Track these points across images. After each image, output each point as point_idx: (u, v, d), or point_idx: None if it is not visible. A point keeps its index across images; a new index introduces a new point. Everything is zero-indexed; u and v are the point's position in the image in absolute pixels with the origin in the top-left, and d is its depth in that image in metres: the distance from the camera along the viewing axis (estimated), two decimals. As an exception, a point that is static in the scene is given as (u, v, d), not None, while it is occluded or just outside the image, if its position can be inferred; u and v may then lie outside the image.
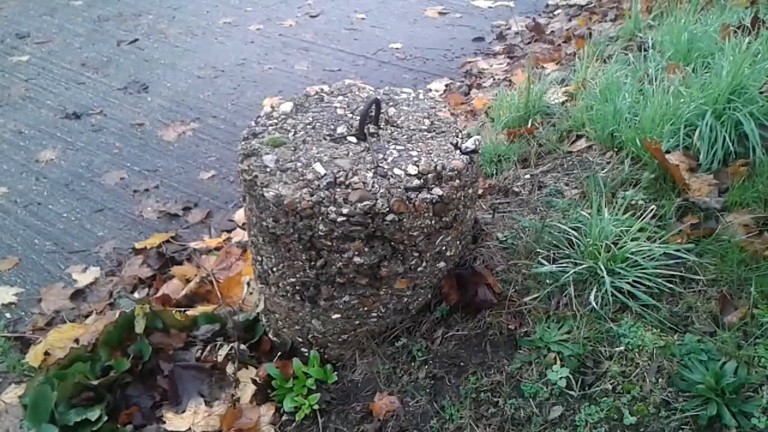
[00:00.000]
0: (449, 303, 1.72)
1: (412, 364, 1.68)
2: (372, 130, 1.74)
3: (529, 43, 4.35)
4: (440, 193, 1.59)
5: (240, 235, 2.77)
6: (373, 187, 1.56)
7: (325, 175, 1.58)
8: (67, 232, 2.80)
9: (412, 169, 1.60)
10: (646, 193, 1.82)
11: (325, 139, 1.71)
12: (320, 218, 1.56)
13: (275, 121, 1.78)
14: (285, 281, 1.74)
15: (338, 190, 1.56)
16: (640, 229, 1.64)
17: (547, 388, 1.48)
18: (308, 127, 1.75)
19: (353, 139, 1.71)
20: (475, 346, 1.63)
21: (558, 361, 1.51)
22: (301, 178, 1.58)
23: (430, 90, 3.91)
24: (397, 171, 1.60)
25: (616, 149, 2.12)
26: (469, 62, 4.20)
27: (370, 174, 1.59)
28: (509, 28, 4.65)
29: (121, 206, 2.97)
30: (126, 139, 3.45)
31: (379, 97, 1.78)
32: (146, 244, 2.71)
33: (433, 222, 1.62)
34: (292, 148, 1.67)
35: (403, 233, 1.60)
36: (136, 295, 2.45)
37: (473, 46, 4.45)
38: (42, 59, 4.28)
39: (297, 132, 1.73)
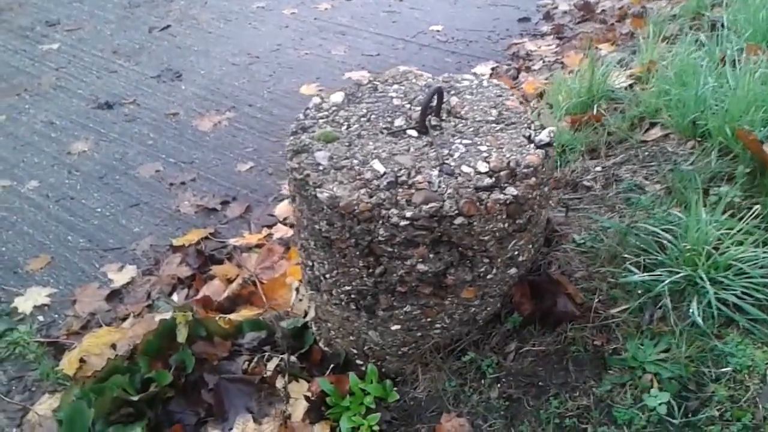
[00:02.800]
0: (522, 314, 1.55)
1: (482, 381, 1.51)
2: (434, 123, 1.56)
3: (579, 22, 4.12)
4: (515, 192, 1.41)
5: (281, 231, 2.62)
6: (439, 187, 1.39)
7: (384, 173, 1.41)
8: (101, 228, 2.68)
9: (483, 166, 1.43)
10: (742, 189, 1.61)
11: (382, 132, 1.54)
12: (380, 222, 1.40)
13: (326, 113, 1.61)
14: (339, 289, 1.58)
15: (400, 190, 1.39)
16: (742, 232, 1.45)
17: (643, 414, 1.30)
18: (363, 119, 1.58)
19: (414, 133, 1.54)
20: (555, 364, 1.46)
21: (655, 384, 1.33)
22: (358, 177, 1.42)
23: (476, 74, 3.71)
24: (465, 168, 1.43)
25: (698, 139, 1.92)
26: (516, 44, 3.99)
27: (436, 172, 1.42)
28: (556, 8, 4.41)
29: (157, 200, 2.84)
30: (160, 129, 3.33)
31: (440, 86, 1.60)
32: (184, 241, 2.57)
33: (506, 225, 1.44)
34: (347, 144, 1.50)
35: (472, 238, 1.43)
36: (175, 296, 2.33)
37: (519, 27, 4.22)
38: (72, 47, 4.16)
39: (351, 125, 1.56)
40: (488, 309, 1.59)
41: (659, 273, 1.43)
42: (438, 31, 4.24)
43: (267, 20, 4.47)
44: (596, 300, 1.50)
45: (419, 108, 1.58)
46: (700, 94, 1.90)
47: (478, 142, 1.50)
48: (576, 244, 1.62)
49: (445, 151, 1.47)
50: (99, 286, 2.39)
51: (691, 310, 1.37)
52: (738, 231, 1.45)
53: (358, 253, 1.48)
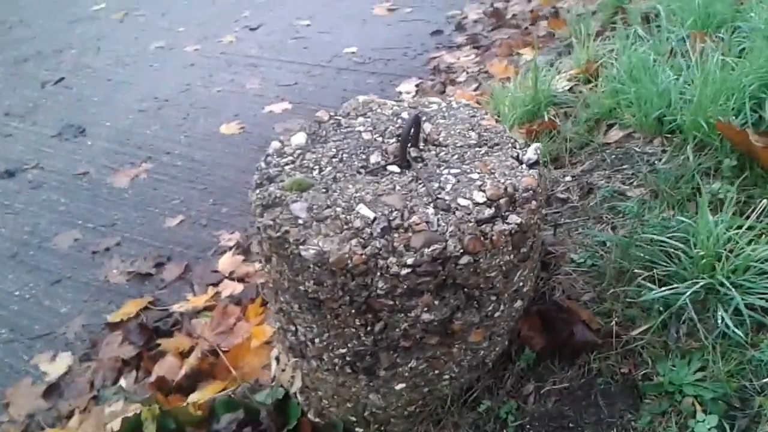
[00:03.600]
0: (534, 349, 1.43)
1: (504, 431, 1.38)
2: (414, 154, 1.43)
3: (492, 30, 4.12)
4: (518, 220, 1.30)
5: (230, 288, 2.42)
6: (438, 225, 1.26)
7: (375, 219, 1.27)
8: (23, 313, 2.39)
9: (480, 197, 1.31)
10: (731, 184, 1.57)
11: (360, 172, 1.40)
12: (378, 274, 1.25)
13: (291, 158, 1.45)
14: (332, 353, 1.42)
15: (396, 235, 1.25)
16: (753, 230, 1.39)
17: (696, 443, 1.21)
18: (334, 160, 1.43)
19: (395, 168, 1.40)
20: (583, 400, 1.34)
21: (698, 407, 1.24)
22: (346, 226, 1.27)
23: (401, 93, 3.62)
24: (462, 201, 1.30)
25: (665, 135, 1.88)
26: (434, 58, 3.94)
27: (431, 210, 1.28)
28: (466, 17, 4.41)
29: (81, 273, 2.57)
30: (71, 192, 3.04)
31: (417, 113, 1.48)
32: (121, 315, 2.32)
33: (512, 256, 1.33)
34: (324, 190, 1.35)
35: (478, 276, 1.30)
36: (122, 381, 2.08)
37: (433, 41, 4.18)
38: (-45, 113, 3.79)
39: (323, 168, 1.41)
40: (497, 349, 1.47)
41: (676, 285, 1.35)
42: (353, 53, 4.14)
43: (169, 60, 4.23)
44: (612, 323, 1.40)
45: (394, 140, 1.45)
46: (663, 89, 1.87)
47: (467, 170, 1.38)
48: (575, 264, 1.52)
49: (435, 185, 1.34)
50: (32, 381, 2.11)
51: (720, 321, 1.30)
52: (747, 229, 1.39)
53: (353, 311, 1.32)
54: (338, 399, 1.52)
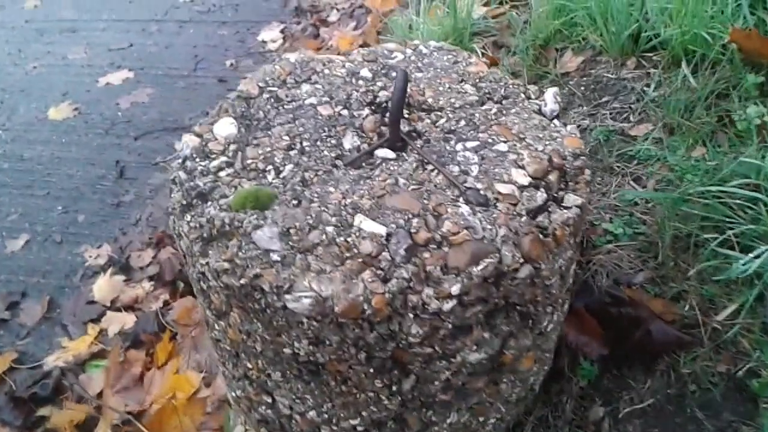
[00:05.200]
0: (592, 359, 1.11)
1: (579, 474, 1.06)
2: (405, 128, 1.02)
3: (352, -44, 3.66)
4: (578, 200, 0.94)
5: (117, 322, 1.90)
6: (483, 230, 0.87)
7: (391, 234, 0.86)
8: None
9: (521, 176, 0.94)
10: (766, 104, 1.30)
11: (337, 166, 0.97)
12: (409, 315, 0.85)
13: (223, 158, 0.99)
14: (336, 426, 1.01)
15: (427, 255, 0.85)
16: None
17: None
18: (292, 153, 0.99)
19: (386, 153, 0.99)
20: (677, 417, 1.04)
21: (834, 403, 0.98)
22: (348, 254, 0.85)
23: (266, 42, 3.12)
24: (501, 188, 0.92)
25: (640, 56, 1.59)
26: (292, -4, 3.44)
27: (465, 208, 0.90)
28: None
29: None
30: None
31: (404, 69, 1.07)
32: (-24, 386, 1.75)
33: (573, 251, 0.98)
34: (295, 202, 0.91)
35: (536, 288, 0.94)
36: (1, 483, 1.54)
37: (282, -23, 3.66)
38: None
39: (280, 168, 0.97)
40: (545, 368, 1.13)
41: (764, 247, 1.06)
42: (191, 1, 3.54)
43: (-42, 36, 3.41)
44: (686, 308, 1.10)
45: (368, 111, 1.03)
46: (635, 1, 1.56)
47: (488, 140, 0.99)
48: (613, 236, 1.20)
49: (455, 168, 0.95)
50: None
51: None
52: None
53: (372, 371, 0.92)
54: (343, 476, 1.13)
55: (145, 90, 2.88)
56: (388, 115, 1.03)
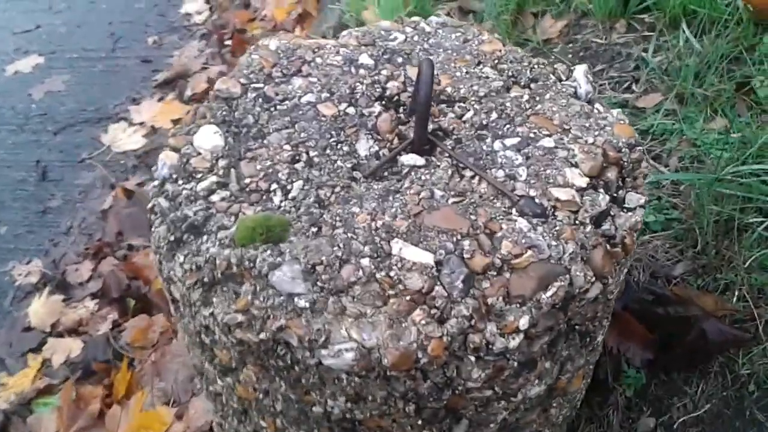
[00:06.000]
0: (637, 366, 1.00)
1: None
2: (430, 127, 0.87)
3: None
4: (641, 200, 0.82)
5: (62, 350, 1.70)
6: (549, 248, 0.73)
7: (441, 263, 0.71)
8: None
9: (577, 176, 0.80)
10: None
11: (355, 179, 0.81)
12: (470, 358, 0.72)
13: (213, 178, 0.81)
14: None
15: (487, 285, 0.71)
16: None
17: None
18: (298, 166, 0.82)
19: (412, 159, 0.83)
20: (736, 420, 0.95)
21: None
22: (392, 291, 0.70)
23: (190, 15, 2.86)
24: (558, 193, 0.78)
25: (631, 18, 1.47)
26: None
27: (523, 222, 0.75)
28: None
29: None
30: None
31: (429, 59, 0.91)
32: None
33: (629, 257, 0.85)
34: (312, 229, 0.75)
35: (599, 304, 0.81)
36: None
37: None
38: None
39: (286, 186, 0.80)
40: (586, 381, 1.02)
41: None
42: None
43: None
44: (735, 300, 1.00)
45: (378, 106, 0.87)
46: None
47: (529, 134, 0.85)
48: (643, 224, 1.09)
49: (499, 173, 0.80)
50: None
51: None
52: None
53: (420, 422, 0.78)
54: None
55: (59, 77, 2.61)
56: (405, 111, 0.87)
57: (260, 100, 0.90)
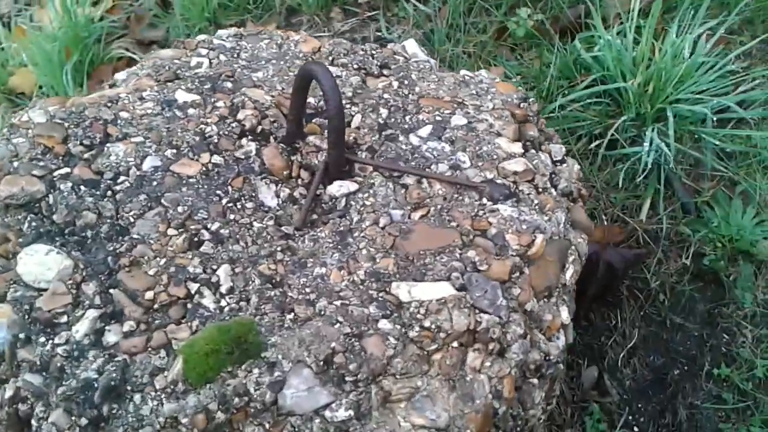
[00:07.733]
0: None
1: None
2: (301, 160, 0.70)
3: None
4: (563, 149, 0.77)
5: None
6: (548, 223, 0.64)
7: (464, 287, 0.58)
8: None
9: (510, 143, 0.72)
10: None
11: (290, 236, 0.62)
12: (533, 380, 0.60)
13: (92, 314, 0.55)
14: None
15: (516, 290, 0.60)
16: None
17: None
18: (205, 248, 0.59)
19: (340, 188, 0.66)
20: (662, 333, 0.97)
21: None
22: (434, 347, 0.56)
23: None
24: (511, 166, 0.69)
25: (341, 6, 1.43)
26: None
27: (507, 209, 0.65)
28: None
29: None
30: None
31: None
32: None
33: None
34: (287, 318, 0.55)
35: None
36: None
37: None
38: None
39: (211, 280, 0.57)
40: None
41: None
42: None
43: None
44: (608, 221, 1.02)
45: (255, 143, 0.68)
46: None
47: (436, 119, 0.73)
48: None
49: (441, 168, 0.67)
50: None
51: None
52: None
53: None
54: None
55: None
56: (281, 139, 0.69)
57: (82, 187, 0.63)
